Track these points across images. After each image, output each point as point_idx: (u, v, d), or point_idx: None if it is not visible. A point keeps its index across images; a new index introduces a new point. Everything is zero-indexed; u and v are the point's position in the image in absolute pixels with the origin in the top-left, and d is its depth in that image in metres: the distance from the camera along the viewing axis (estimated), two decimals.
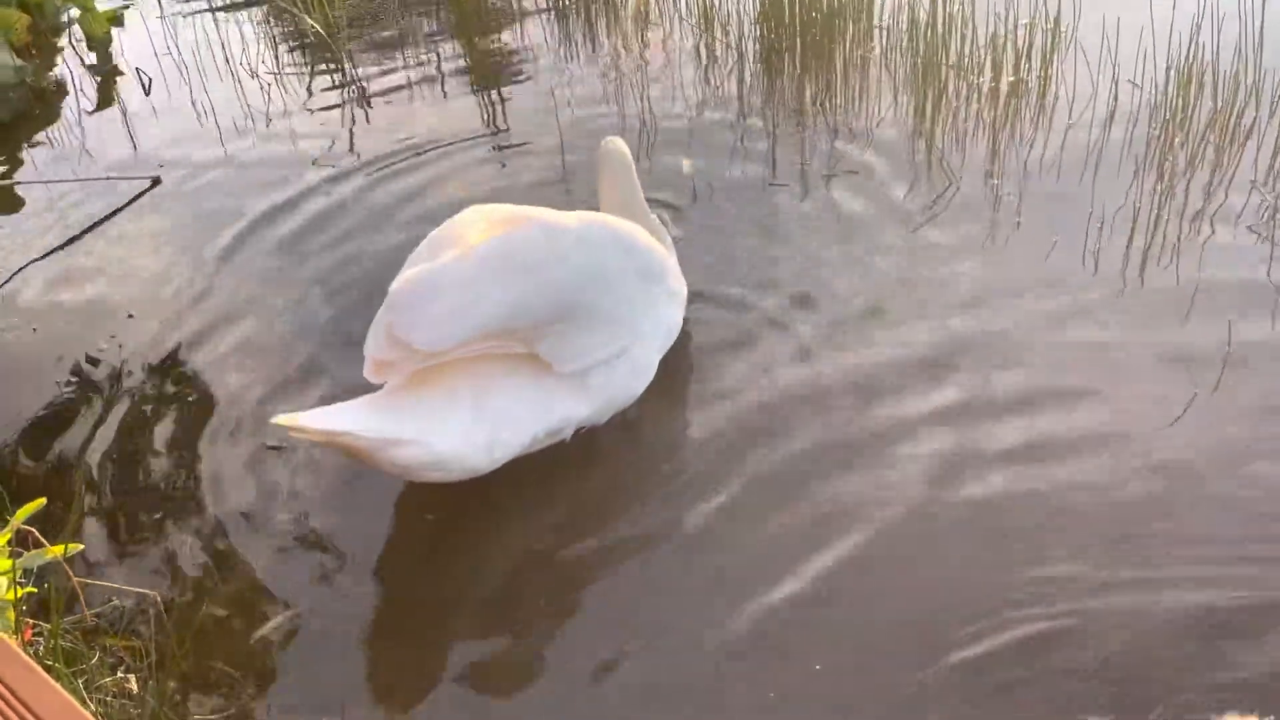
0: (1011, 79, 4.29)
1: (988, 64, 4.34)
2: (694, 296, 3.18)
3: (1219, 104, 3.92)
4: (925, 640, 2.23)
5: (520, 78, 4.90)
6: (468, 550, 2.58)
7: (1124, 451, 2.64)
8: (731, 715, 2.16)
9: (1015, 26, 4.37)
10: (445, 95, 4.82)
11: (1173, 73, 3.97)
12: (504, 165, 4.16)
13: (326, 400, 2.94)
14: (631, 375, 2.75)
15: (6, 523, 2.11)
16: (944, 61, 4.38)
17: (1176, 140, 3.81)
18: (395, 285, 2.44)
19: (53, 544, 2.13)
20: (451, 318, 2.36)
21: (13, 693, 1.65)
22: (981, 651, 2.20)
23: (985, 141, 4.00)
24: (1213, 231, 3.38)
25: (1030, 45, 4.32)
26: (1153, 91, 4.00)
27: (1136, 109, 3.99)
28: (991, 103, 4.22)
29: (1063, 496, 2.54)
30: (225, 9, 5.94)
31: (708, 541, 2.53)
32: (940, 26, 4.43)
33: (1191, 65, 3.96)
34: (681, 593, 2.42)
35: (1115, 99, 4.06)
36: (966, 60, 4.39)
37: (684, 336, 3.06)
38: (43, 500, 2.14)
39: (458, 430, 2.41)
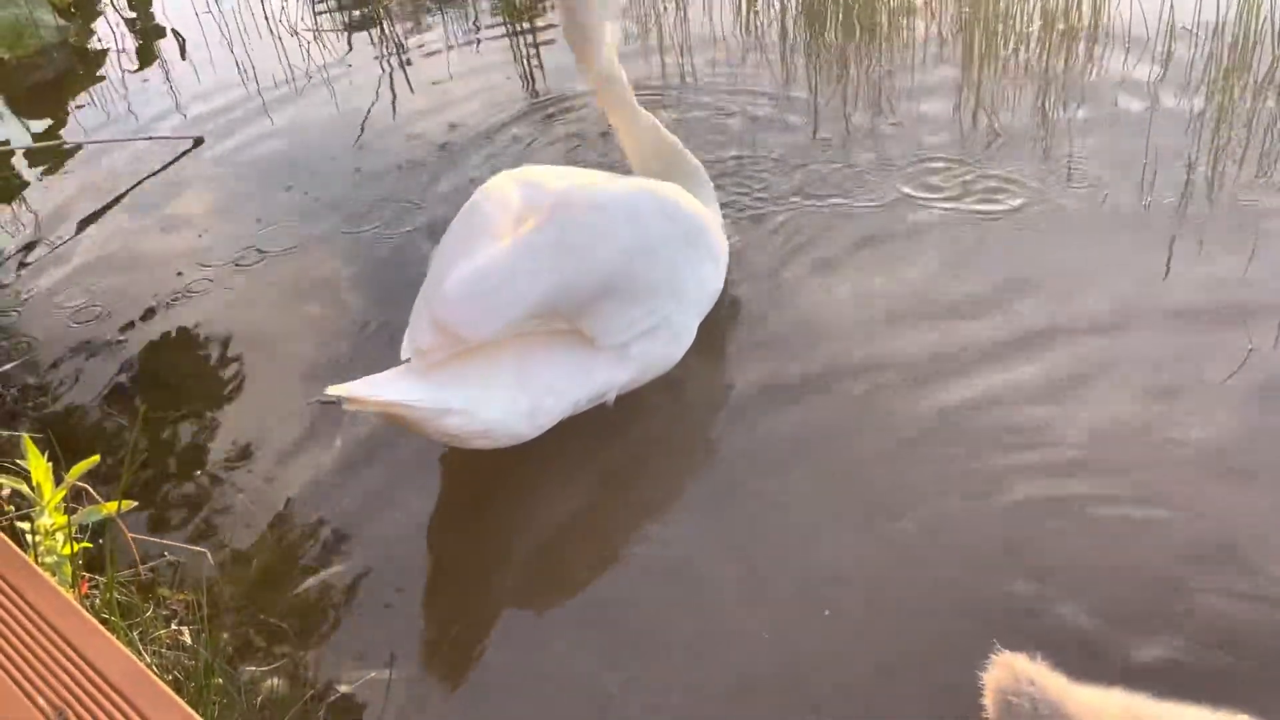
0: (1062, 26, 4.17)
1: (1037, 11, 4.22)
2: (735, 253, 3.14)
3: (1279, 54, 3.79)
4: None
5: (559, 31, 4.83)
6: (513, 506, 2.60)
7: (1176, 409, 2.58)
8: (776, 671, 2.17)
9: None
10: (483, 51, 4.78)
11: (1232, 20, 3.83)
12: (543, 120, 4.13)
13: (373, 358, 2.96)
14: (672, 342, 2.73)
15: (62, 480, 2.15)
16: (991, 9, 4.26)
17: (1236, 91, 3.68)
18: (442, 286, 2.41)
19: (106, 500, 2.18)
20: (499, 309, 2.38)
21: (70, 644, 1.70)
22: None
23: (1034, 92, 3.90)
24: (1273, 186, 3.28)
25: None
26: (1210, 41, 3.87)
27: (1193, 58, 3.86)
28: (1041, 51, 4.10)
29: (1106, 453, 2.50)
30: None
31: (751, 497, 2.52)
32: None
33: (1252, 12, 3.82)
34: (728, 548, 2.41)
35: (1171, 48, 3.93)
36: (1014, 7, 4.27)
37: (726, 293, 3.03)
38: (96, 458, 2.18)
39: (502, 399, 2.42)
